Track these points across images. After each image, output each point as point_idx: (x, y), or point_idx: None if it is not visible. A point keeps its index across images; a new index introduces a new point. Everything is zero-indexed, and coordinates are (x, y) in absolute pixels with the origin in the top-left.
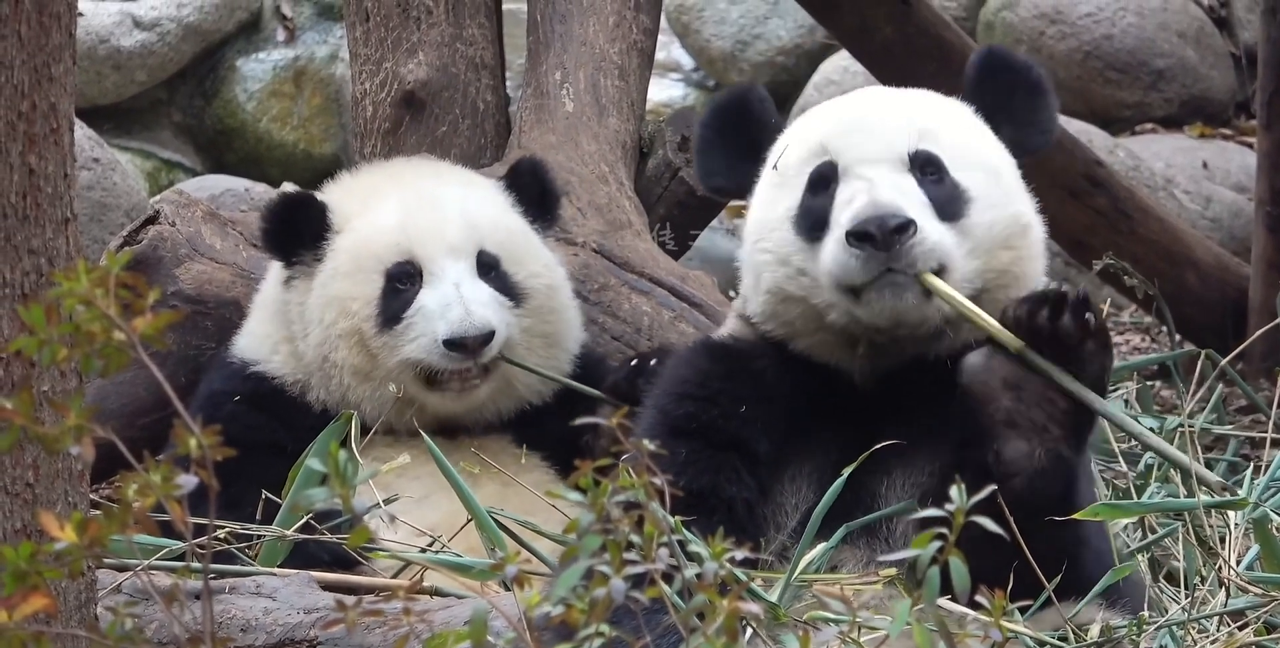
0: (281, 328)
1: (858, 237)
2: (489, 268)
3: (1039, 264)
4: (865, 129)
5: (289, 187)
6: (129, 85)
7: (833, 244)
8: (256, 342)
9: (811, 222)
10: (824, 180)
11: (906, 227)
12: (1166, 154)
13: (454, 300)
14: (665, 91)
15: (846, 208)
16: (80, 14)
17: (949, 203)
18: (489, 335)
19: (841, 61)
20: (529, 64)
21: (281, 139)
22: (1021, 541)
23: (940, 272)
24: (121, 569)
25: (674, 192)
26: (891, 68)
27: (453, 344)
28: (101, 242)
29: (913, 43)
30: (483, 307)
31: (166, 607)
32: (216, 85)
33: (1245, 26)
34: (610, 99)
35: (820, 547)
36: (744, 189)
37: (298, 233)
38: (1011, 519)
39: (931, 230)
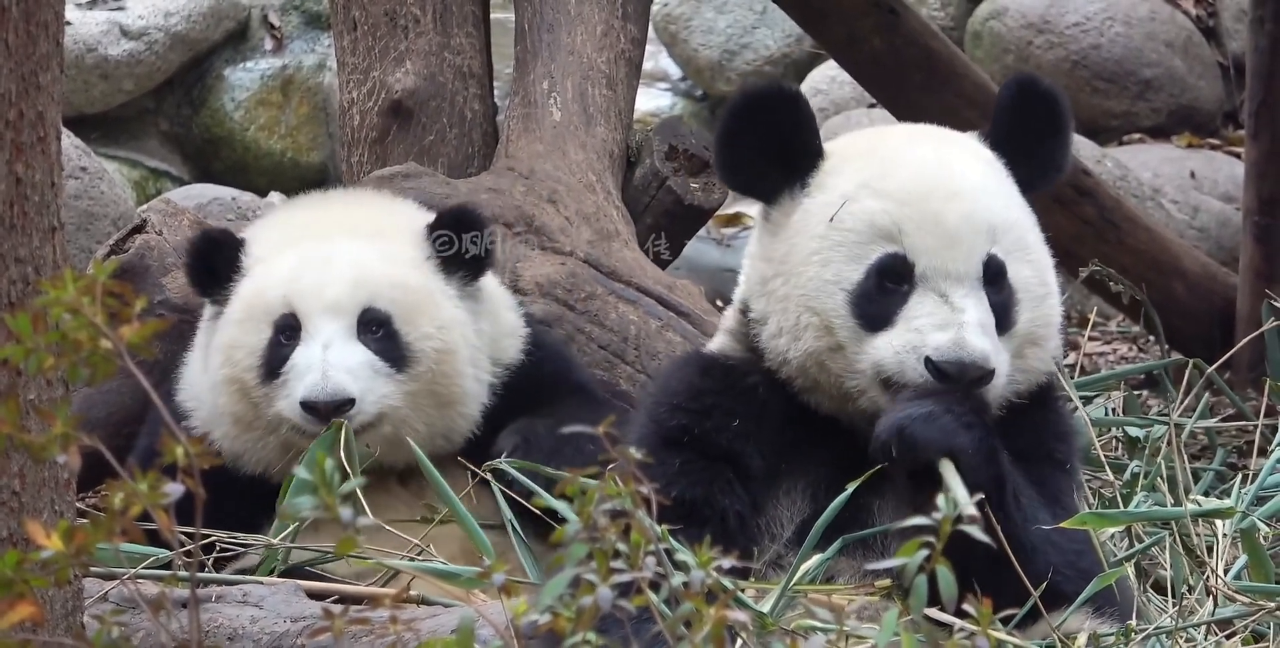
0: (201, 371)
1: (938, 372)
2: (377, 326)
3: (1055, 348)
4: (941, 233)
5: (276, 196)
6: (116, 94)
7: (902, 349)
8: (186, 387)
9: (874, 313)
10: (896, 277)
11: (986, 378)
12: (1154, 164)
13: (315, 363)
14: (653, 101)
15: (933, 330)
16: (68, 23)
17: (1005, 313)
18: (345, 402)
19: (829, 71)
20: (516, 73)
21: (269, 148)
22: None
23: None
24: (108, 578)
25: (661, 201)
26: (879, 78)
27: (308, 407)
28: (88, 250)
29: (900, 53)
30: (344, 372)
31: (153, 615)
32: (204, 94)
33: (1233, 36)
34: (598, 108)
35: (816, 558)
36: (762, 190)
37: (212, 272)
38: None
39: (1002, 365)
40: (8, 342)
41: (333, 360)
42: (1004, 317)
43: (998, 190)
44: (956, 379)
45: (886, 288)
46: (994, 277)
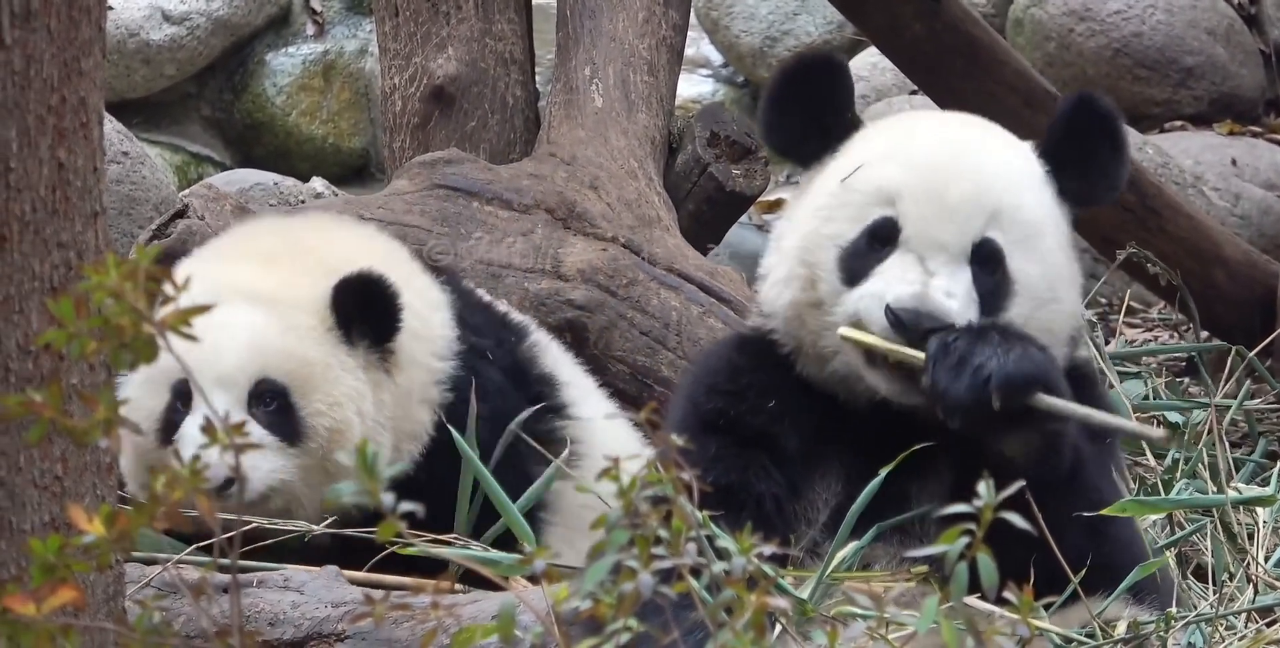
0: None
1: (895, 316)
2: (273, 398)
3: (1057, 356)
4: (938, 204)
5: (318, 181)
6: (158, 79)
7: (867, 296)
8: None
9: (855, 268)
10: (882, 238)
11: (938, 331)
12: (1195, 151)
13: (195, 438)
14: (694, 87)
15: (897, 280)
16: (110, 8)
17: (994, 296)
18: (226, 483)
19: (870, 58)
20: (558, 59)
21: (310, 133)
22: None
23: None
24: (150, 563)
25: (703, 187)
26: (920, 65)
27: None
28: (130, 235)
29: (941, 40)
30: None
31: (194, 600)
32: (245, 79)
33: (1275, 24)
34: (639, 95)
35: (852, 545)
36: (801, 154)
37: None
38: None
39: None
40: (51, 326)
41: None
42: (992, 302)
43: (1019, 183)
44: (911, 328)
45: (872, 247)
46: (986, 260)
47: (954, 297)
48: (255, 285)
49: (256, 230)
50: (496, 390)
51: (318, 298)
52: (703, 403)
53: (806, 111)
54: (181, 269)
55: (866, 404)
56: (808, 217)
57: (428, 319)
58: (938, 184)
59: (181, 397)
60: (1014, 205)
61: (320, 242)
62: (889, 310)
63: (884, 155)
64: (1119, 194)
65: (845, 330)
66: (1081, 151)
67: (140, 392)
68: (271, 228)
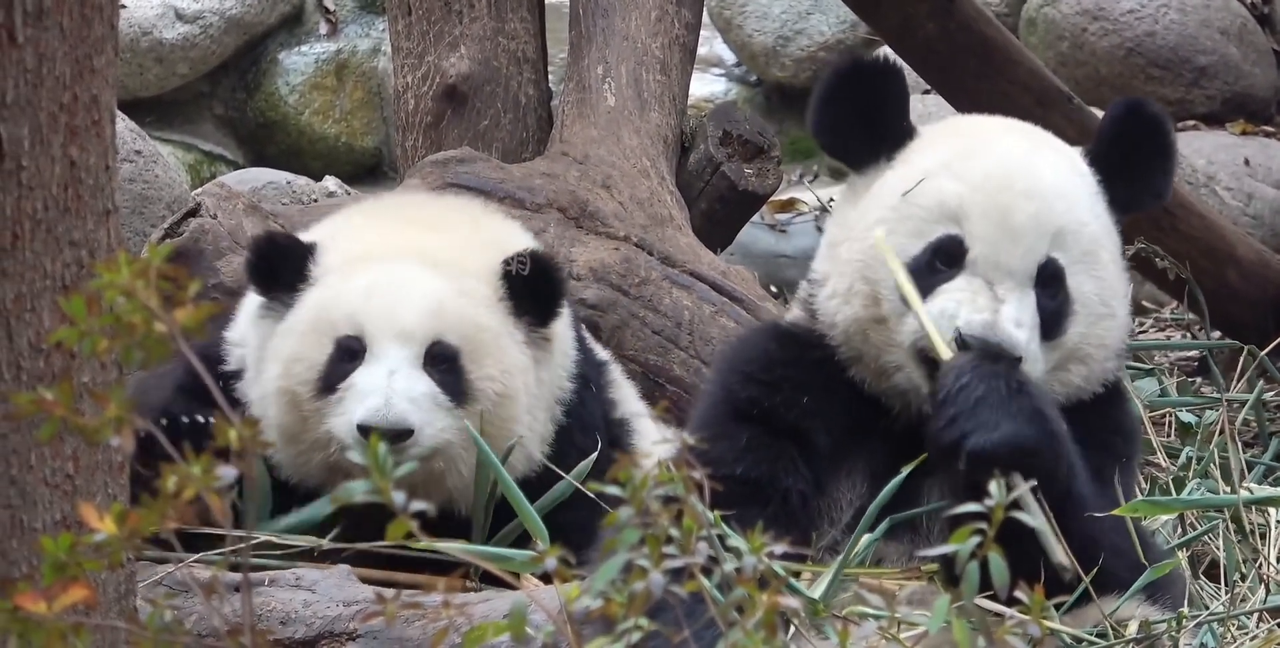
0: (254, 379)
1: (963, 341)
2: (444, 360)
3: (1106, 370)
4: (1005, 226)
5: (331, 180)
6: (171, 78)
7: (934, 314)
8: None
9: (920, 288)
10: (948, 257)
11: (1014, 364)
12: (1208, 151)
13: (379, 387)
14: (707, 87)
15: (967, 306)
16: (123, 6)
17: (1055, 319)
18: (404, 432)
19: None
20: (571, 58)
21: (323, 132)
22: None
23: None
24: (161, 561)
25: (715, 187)
26: (933, 64)
27: (364, 430)
28: (143, 234)
29: (955, 39)
30: (406, 401)
31: (206, 599)
32: (258, 78)
33: None
34: (652, 94)
35: (865, 538)
36: (852, 156)
37: (276, 275)
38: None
39: (1034, 364)
40: (62, 324)
41: (398, 388)
42: (1053, 324)
43: (1079, 200)
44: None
45: (937, 267)
46: (1049, 280)
47: (1022, 326)
48: (433, 249)
49: (415, 199)
50: (593, 427)
51: (489, 266)
52: (738, 390)
53: (860, 113)
54: (341, 225)
55: (918, 413)
56: (867, 229)
57: (564, 336)
58: (1003, 205)
59: (348, 351)
60: (1076, 224)
61: (485, 219)
62: (959, 334)
63: (945, 168)
64: (1166, 201)
65: (878, 233)
66: (1131, 159)
67: (301, 343)
68: (428, 199)
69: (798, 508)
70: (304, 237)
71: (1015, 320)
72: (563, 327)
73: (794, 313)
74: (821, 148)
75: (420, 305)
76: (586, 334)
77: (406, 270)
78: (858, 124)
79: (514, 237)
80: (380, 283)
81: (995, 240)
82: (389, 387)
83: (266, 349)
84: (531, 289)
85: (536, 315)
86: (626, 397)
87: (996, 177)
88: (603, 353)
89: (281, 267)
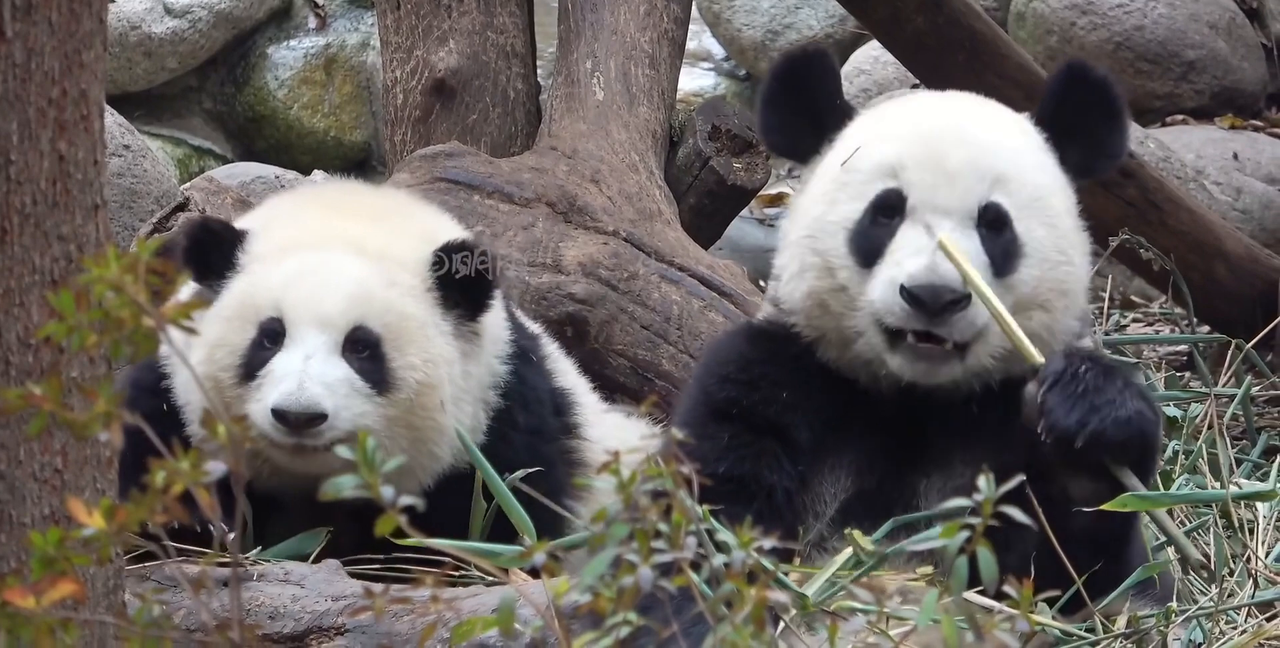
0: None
1: (911, 297)
2: (365, 346)
3: (1070, 322)
4: (942, 171)
5: (319, 175)
6: (160, 72)
7: (883, 283)
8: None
9: (868, 248)
10: (889, 210)
11: (959, 301)
12: (1197, 145)
13: (293, 371)
14: (696, 81)
15: (908, 258)
16: (111, 0)
17: (1003, 259)
18: (317, 416)
19: (873, 52)
20: (560, 53)
21: (312, 127)
22: (1069, 564)
23: (978, 332)
24: (150, 556)
25: (704, 181)
26: (922, 58)
27: (278, 415)
28: (131, 228)
29: (944, 33)
30: (321, 386)
31: (194, 594)
32: (247, 73)
33: (1276, 18)
34: (641, 88)
35: (866, 541)
36: (799, 150)
37: (208, 261)
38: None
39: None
40: (51, 319)
41: (312, 372)
42: (1003, 261)
43: (1022, 150)
44: (930, 305)
45: (880, 222)
46: (993, 221)
47: (966, 258)
48: (362, 238)
49: (349, 188)
50: (536, 402)
51: (421, 258)
52: (715, 392)
53: (799, 107)
54: (273, 212)
55: (888, 388)
56: (811, 205)
57: (496, 320)
58: (939, 151)
59: (269, 335)
60: (1018, 169)
61: (419, 211)
62: (904, 291)
63: (882, 134)
64: (1120, 162)
65: (944, 237)
66: (1079, 121)
67: (224, 328)
68: (363, 189)
69: (782, 504)
70: (238, 223)
71: (958, 254)
72: (494, 316)
73: (765, 310)
74: (772, 150)
75: (342, 291)
76: (516, 308)
77: (332, 257)
78: (799, 118)
79: (446, 228)
80: (304, 269)
81: (931, 184)
82: (304, 371)
83: (193, 342)
84: (462, 281)
85: (467, 308)
86: (564, 369)
87: (932, 129)
88: (534, 325)
89: (213, 253)
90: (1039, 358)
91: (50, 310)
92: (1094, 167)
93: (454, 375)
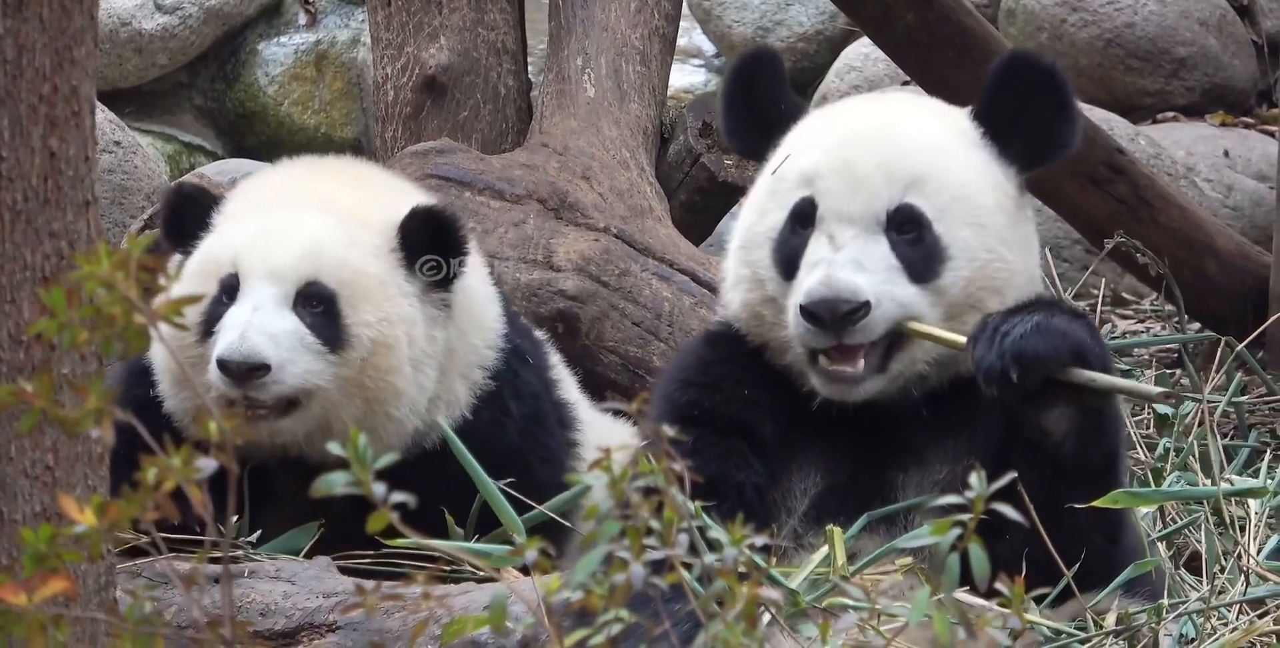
0: None
1: (810, 317)
2: (319, 301)
3: None
4: (849, 176)
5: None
6: (150, 69)
7: (793, 309)
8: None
9: (786, 259)
10: (803, 219)
11: (856, 311)
12: (1188, 142)
13: (238, 323)
14: (686, 78)
15: (809, 272)
16: None
17: (924, 262)
18: (259, 366)
19: (863, 48)
20: (550, 49)
21: (303, 123)
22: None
23: (897, 336)
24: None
25: (695, 177)
26: (913, 55)
27: (221, 366)
28: (122, 225)
29: (934, 30)
30: (263, 336)
31: (185, 591)
32: (238, 69)
33: (1267, 15)
34: (631, 85)
35: (840, 535)
36: (756, 152)
37: (184, 227)
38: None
39: (895, 297)
40: (42, 316)
41: (255, 322)
42: (922, 266)
43: (946, 150)
44: (828, 320)
45: (796, 232)
46: (905, 224)
47: (865, 269)
48: (331, 197)
49: (338, 160)
50: (531, 395)
51: (388, 218)
52: (677, 397)
53: (750, 109)
54: (255, 179)
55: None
56: (745, 214)
57: (483, 304)
58: (850, 157)
59: (228, 290)
60: (940, 171)
61: (398, 181)
62: (803, 312)
63: (809, 141)
64: (1072, 151)
65: (914, 326)
66: (1020, 111)
67: (190, 285)
68: (349, 161)
69: (754, 502)
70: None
71: (853, 262)
72: (473, 290)
73: (720, 313)
74: (735, 151)
75: (295, 245)
76: (518, 312)
77: (295, 214)
78: (751, 119)
79: (419, 195)
80: (267, 226)
81: (839, 192)
82: (249, 322)
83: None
84: (431, 243)
85: (437, 275)
86: (566, 382)
87: (849, 136)
88: (538, 334)
89: (188, 217)
90: (962, 341)
91: (41, 307)
92: (1043, 157)
93: (415, 337)
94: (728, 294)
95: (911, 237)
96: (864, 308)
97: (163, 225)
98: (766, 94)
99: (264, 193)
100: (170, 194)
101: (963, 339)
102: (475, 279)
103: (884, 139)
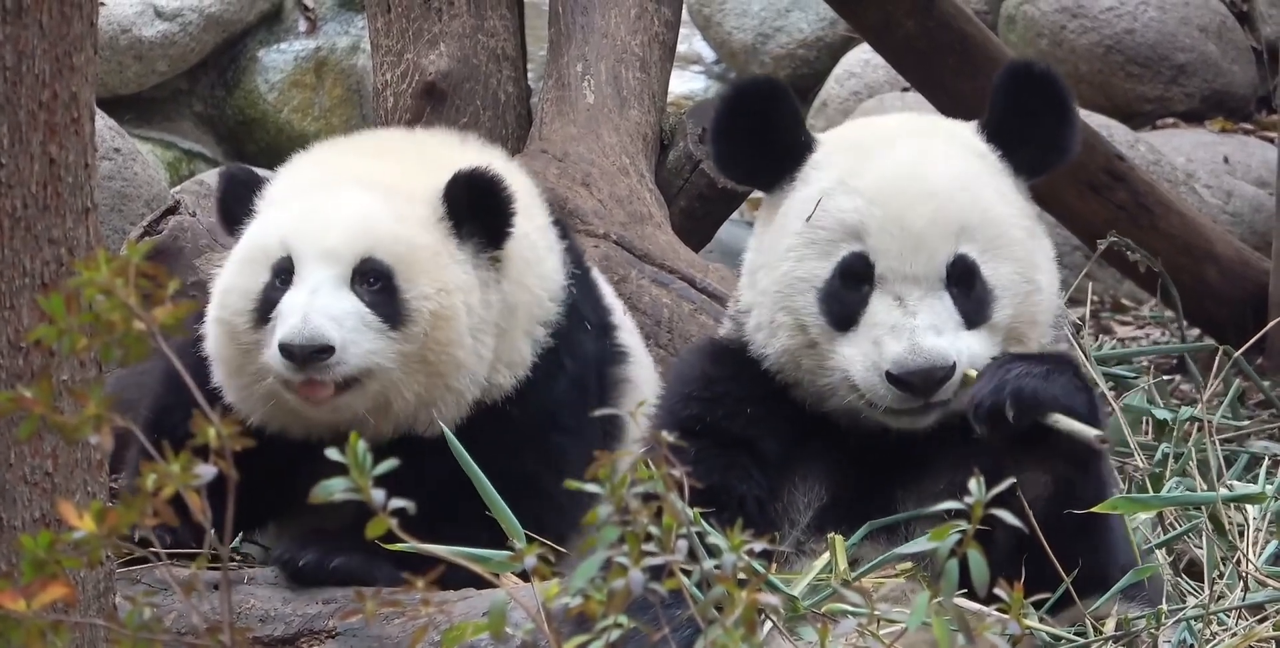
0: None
1: (901, 384)
2: (376, 278)
3: (1040, 342)
4: (904, 235)
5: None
6: (150, 75)
7: (865, 368)
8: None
9: (841, 313)
10: (857, 278)
11: (950, 375)
12: (1187, 148)
13: (298, 306)
14: (686, 84)
15: (887, 339)
16: (102, 3)
17: (977, 311)
18: (324, 348)
19: (863, 54)
20: (550, 56)
21: (302, 130)
22: (1047, 546)
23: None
24: (141, 559)
25: (695, 184)
26: (913, 61)
27: (285, 351)
28: (122, 232)
29: (934, 37)
30: (326, 318)
31: (185, 597)
32: (238, 76)
33: (1267, 21)
34: (631, 91)
35: (841, 543)
36: (760, 181)
37: (233, 211)
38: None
39: (966, 351)
40: (41, 322)
41: (316, 305)
42: (977, 314)
43: (980, 187)
44: (921, 388)
45: (849, 287)
46: (962, 277)
47: (942, 332)
48: (372, 173)
49: (377, 133)
50: (584, 354)
51: (431, 188)
52: (679, 410)
53: (755, 138)
54: (297, 160)
55: (864, 423)
56: (779, 257)
57: (542, 254)
58: (899, 214)
59: (281, 274)
60: (979, 213)
61: (435, 143)
62: (891, 378)
63: (841, 184)
64: (1072, 157)
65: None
66: (1025, 121)
67: (238, 273)
68: (387, 131)
69: (755, 513)
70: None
71: (933, 329)
72: (528, 244)
73: (728, 327)
74: (732, 180)
75: (347, 224)
76: (598, 277)
77: (340, 193)
78: (756, 149)
79: (462, 157)
80: (312, 206)
81: (898, 252)
82: (309, 304)
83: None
84: (478, 209)
85: (486, 236)
86: (624, 326)
87: (890, 185)
88: (612, 298)
89: (234, 202)
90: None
91: (41, 314)
92: (1046, 163)
93: (473, 305)
94: (757, 334)
95: (966, 287)
96: (951, 371)
97: (216, 211)
98: (781, 125)
99: (304, 174)
100: (221, 178)
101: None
102: (530, 231)
103: (926, 187)
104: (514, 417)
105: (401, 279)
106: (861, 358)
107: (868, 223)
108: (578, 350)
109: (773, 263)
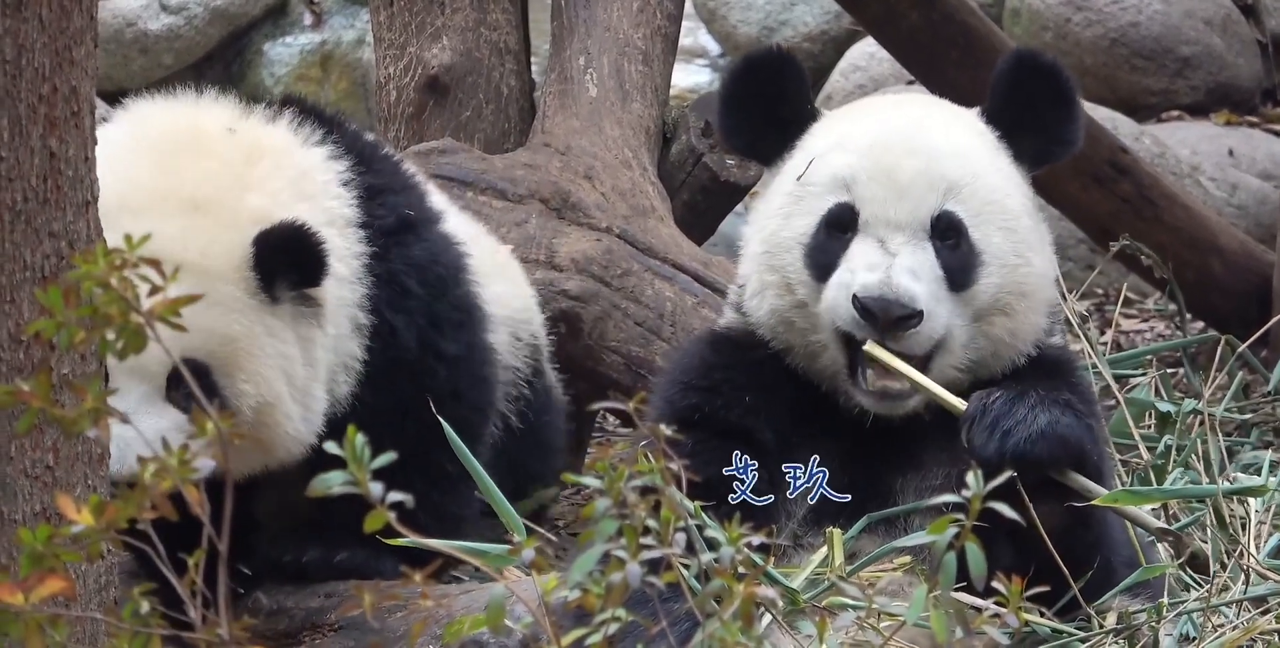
0: None
1: (862, 308)
2: (199, 376)
3: (1035, 325)
4: (890, 183)
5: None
6: (155, 69)
7: (835, 287)
8: None
9: (822, 261)
10: (841, 225)
11: (911, 318)
12: (1192, 141)
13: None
14: (691, 77)
15: (861, 270)
16: None
17: (961, 271)
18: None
19: (867, 48)
20: (553, 49)
21: None
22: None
23: (938, 345)
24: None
25: (697, 177)
26: (917, 54)
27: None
28: None
29: (938, 29)
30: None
31: (185, 590)
32: (243, 69)
33: (1272, 14)
34: (634, 84)
35: (838, 537)
36: (762, 153)
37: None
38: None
39: (941, 313)
40: (41, 316)
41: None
42: (960, 274)
43: (974, 155)
44: (880, 317)
45: (833, 236)
46: (946, 231)
47: (919, 277)
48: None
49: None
50: (420, 265)
51: (237, 260)
52: (677, 400)
53: (761, 109)
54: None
55: (856, 403)
56: (767, 218)
57: (336, 236)
58: (889, 164)
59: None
60: (971, 176)
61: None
62: (855, 301)
63: (835, 145)
64: (1076, 149)
65: (871, 347)
66: (1029, 111)
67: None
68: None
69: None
70: None
71: (910, 271)
72: (338, 286)
73: (728, 316)
74: (735, 151)
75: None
76: (376, 142)
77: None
78: (761, 120)
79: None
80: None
81: (883, 198)
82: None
83: None
84: (288, 266)
85: (299, 283)
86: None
87: (882, 141)
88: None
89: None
90: (962, 406)
91: (40, 307)
92: (1049, 155)
93: (295, 375)
94: (752, 301)
95: (952, 243)
96: (917, 316)
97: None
98: (786, 96)
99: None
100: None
101: (962, 405)
102: (314, 213)
103: (918, 144)
104: (361, 410)
105: (219, 375)
106: (836, 283)
107: (856, 174)
108: (414, 266)
109: (761, 225)
